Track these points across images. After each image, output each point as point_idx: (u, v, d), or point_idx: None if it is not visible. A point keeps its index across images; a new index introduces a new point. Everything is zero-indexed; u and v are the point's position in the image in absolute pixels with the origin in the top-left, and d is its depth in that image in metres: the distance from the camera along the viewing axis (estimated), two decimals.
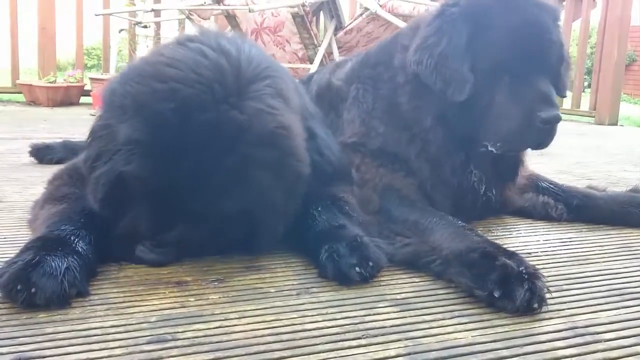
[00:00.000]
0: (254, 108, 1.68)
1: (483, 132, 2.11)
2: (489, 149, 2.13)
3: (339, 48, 5.82)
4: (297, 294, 1.61)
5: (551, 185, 2.61)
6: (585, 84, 9.30)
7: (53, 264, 1.47)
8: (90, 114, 6.21)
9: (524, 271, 1.55)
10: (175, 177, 1.61)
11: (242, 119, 1.65)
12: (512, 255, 1.64)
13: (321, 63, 5.55)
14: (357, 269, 1.66)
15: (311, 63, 5.66)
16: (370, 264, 1.67)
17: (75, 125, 5.19)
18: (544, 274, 1.63)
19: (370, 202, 2.07)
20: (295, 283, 1.69)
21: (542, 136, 2.07)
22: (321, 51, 5.61)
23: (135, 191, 1.67)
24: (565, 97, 2.31)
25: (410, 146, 2.20)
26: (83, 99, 7.11)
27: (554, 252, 2.08)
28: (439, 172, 2.18)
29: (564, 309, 1.58)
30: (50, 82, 6.76)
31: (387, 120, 2.25)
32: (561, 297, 1.65)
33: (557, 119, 2.03)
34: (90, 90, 6.88)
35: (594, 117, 7.53)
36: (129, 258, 1.75)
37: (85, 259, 1.57)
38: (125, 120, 1.64)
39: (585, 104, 7.90)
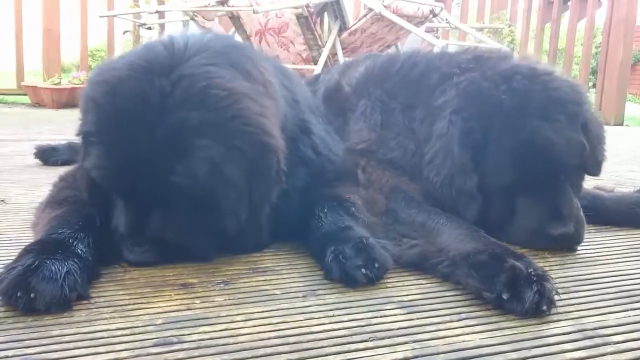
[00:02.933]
0: (180, 73, 1.67)
1: (507, 231, 2.05)
2: None
3: (343, 49, 5.81)
4: (304, 296, 1.60)
5: None
6: (590, 83, 9.28)
7: (52, 268, 1.46)
8: None
9: (532, 273, 1.54)
10: (121, 159, 1.65)
11: (164, 84, 1.65)
12: (520, 257, 1.63)
13: (325, 64, 5.55)
14: (363, 270, 1.64)
15: (315, 64, 5.65)
16: (377, 265, 1.66)
17: None
18: (552, 275, 1.62)
19: (376, 204, 2.05)
20: (301, 285, 1.68)
21: (559, 244, 2.04)
22: (325, 52, 5.61)
23: (102, 187, 1.73)
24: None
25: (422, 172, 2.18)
26: None
27: (562, 254, 2.06)
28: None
29: (572, 311, 1.57)
30: (55, 84, 6.78)
31: (402, 145, 2.26)
32: (569, 299, 1.64)
33: (570, 237, 2.00)
34: None
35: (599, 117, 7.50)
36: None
37: (85, 262, 1.56)
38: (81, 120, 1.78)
39: None
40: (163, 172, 1.62)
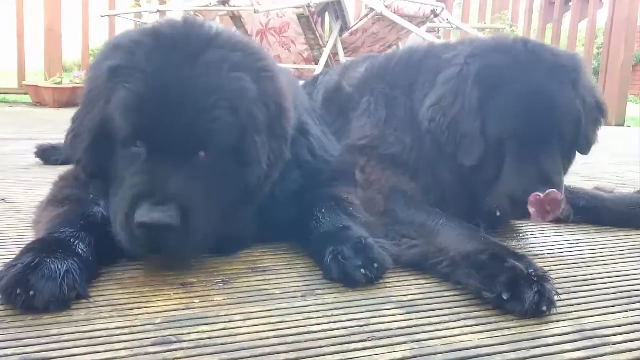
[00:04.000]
0: (217, 29, 1.78)
1: (489, 195, 2.06)
2: (496, 213, 2.08)
3: (344, 49, 5.82)
4: (302, 296, 1.60)
5: None
6: None
7: (52, 267, 1.46)
8: None
9: (533, 274, 1.54)
10: (163, 90, 1.61)
11: (209, 32, 1.75)
12: (521, 257, 1.63)
13: (326, 64, 5.55)
14: (363, 270, 1.65)
15: (316, 64, 5.66)
16: (376, 265, 1.66)
17: None
18: (552, 275, 1.62)
19: (375, 204, 2.05)
20: (300, 285, 1.68)
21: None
22: (326, 52, 5.61)
23: (123, 131, 1.63)
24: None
25: (428, 169, 2.19)
26: None
27: (562, 254, 2.07)
28: (446, 204, 2.13)
29: (571, 312, 1.57)
30: (56, 83, 6.78)
31: (407, 137, 2.23)
32: (569, 300, 1.64)
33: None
34: None
35: None
36: (130, 236, 1.59)
37: (85, 261, 1.56)
38: (104, 65, 1.69)
39: None
40: (206, 107, 1.61)
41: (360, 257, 1.67)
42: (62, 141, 3.47)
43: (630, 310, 1.60)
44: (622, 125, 7.40)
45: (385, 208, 2.04)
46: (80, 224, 1.68)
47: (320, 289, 1.65)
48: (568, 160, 2.18)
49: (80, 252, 1.58)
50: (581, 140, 2.15)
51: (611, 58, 7.62)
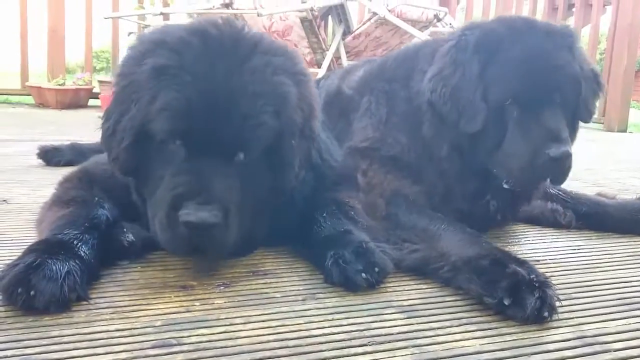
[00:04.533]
0: (256, 34, 1.81)
1: (496, 166, 2.08)
2: (504, 185, 2.10)
3: (347, 52, 5.83)
4: (303, 300, 1.60)
5: (560, 192, 2.59)
6: None
7: (54, 268, 1.46)
8: (98, 117, 6.24)
9: (534, 279, 1.54)
10: (210, 92, 1.61)
11: (254, 36, 1.78)
12: (522, 263, 1.63)
13: (329, 67, 5.56)
14: (364, 274, 1.64)
15: (319, 67, 5.66)
16: (377, 269, 1.66)
17: (83, 127, 5.20)
18: (553, 281, 1.62)
19: (376, 208, 2.06)
20: (301, 288, 1.68)
21: (553, 172, 2.03)
22: (329, 55, 5.62)
23: (166, 132, 1.62)
24: (588, 122, 2.26)
25: (430, 164, 2.19)
26: (91, 102, 7.15)
27: (563, 260, 2.06)
28: (451, 196, 2.16)
29: (572, 318, 1.56)
30: (59, 85, 6.79)
31: (407, 135, 2.23)
32: (570, 306, 1.63)
33: (567, 156, 1.98)
34: (99, 93, 6.90)
35: (602, 123, 7.48)
36: (172, 233, 1.58)
37: (87, 263, 1.56)
38: (146, 62, 1.66)
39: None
40: (251, 111, 1.64)
41: (361, 261, 1.67)
42: (64, 142, 3.52)
43: (632, 317, 1.59)
44: (625, 131, 7.38)
45: (386, 212, 2.05)
46: (85, 226, 1.69)
47: (321, 293, 1.65)
48: (572, 129, 2.17)
49: (82, 254, 1.58)
50: (582, 108, 2.16)
51: (614, 64, 7.60)
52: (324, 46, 5.64)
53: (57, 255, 1.51)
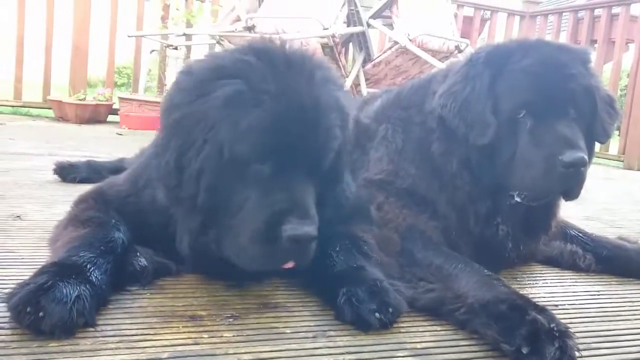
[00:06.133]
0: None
1: (507, 179, 2.04)
2: (515, 199, 2.05)
3: (366, 80, 5.84)
4: (314, 337, 1.55)
5: (580, 234, 2.53)
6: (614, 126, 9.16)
7: (64, 291, 1.45)
8: (116, 133, 6.29)
9: (555, 328, 1.48)
10: (287, 112, 1.61)
11: (305, 51, 1.81)
12: (542, 310, 1.58)
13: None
14: (377, 314, 1.60)
15: None
16: (391, 310, 1.62)
17: (101, 143, 5.24)
18: (572, 329, 1.56)
19: (391, 243, 2.01)
20: (311, 324, 1.63)
21: (568, 182, 1.97)
22: (349, 82, 5.62)
23: (254, 154, 1.60)
24: (604, 143, 2.23)
25: (442, 193, 2.15)
26: (111, 117, 7.21)
27: (583, 306, 2.00)
28: (464, 220, 2.12)
29: None
30: (79, 100, 6.86)
31: (418, 164, 2.21)
32: (590, 357, 1.57)
33: (581, 162, 1.91)
34: (118, 110, 6.96)
35: (622, 161, 7.40)
36: (272, 247, 1.57)
37: (97, 289, 1.54)
38: (215, 92, 1.64)
39: (614, 148, 7.76)
40: (325, 125, 1.68)
41: (375, 300, 1.62)
42: (81, 159, 3.53)
43: None
44: None
45: (401, 248, 2.00)
46: (100, 250, 1.68)
47: (332, 330, 1.60)
48: (589, 149, 2.09)
49: (94, 279, 1.56)
50: (598, 127, 2.11)
51: (635, 101, 7.54)
52: (343, 72, 5.65)
53: (69, 279, 1.49)
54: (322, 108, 1.67)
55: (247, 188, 1.62)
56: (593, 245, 2.48)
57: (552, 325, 1.49)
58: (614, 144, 7.88)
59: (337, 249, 1.87)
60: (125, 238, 1.81)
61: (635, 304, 2.06)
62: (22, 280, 1.50)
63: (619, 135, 7.83)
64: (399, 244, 2.02)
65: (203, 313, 1.64)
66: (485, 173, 2.07)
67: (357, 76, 5.73)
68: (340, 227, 1.99)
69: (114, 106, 7.24)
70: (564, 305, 2.00)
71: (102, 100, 7.04)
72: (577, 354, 1.48)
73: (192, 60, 2.03)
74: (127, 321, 1.55)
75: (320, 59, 1.83)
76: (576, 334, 1.61)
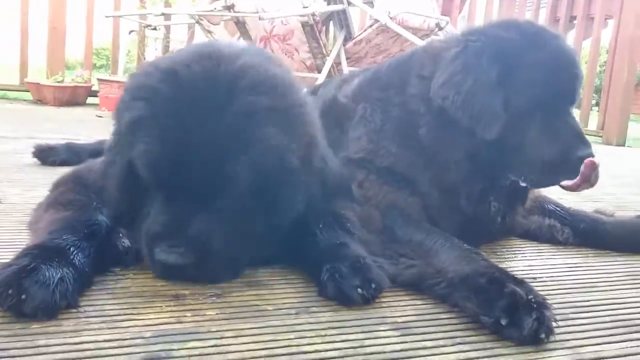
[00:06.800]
0: (245, 62, 1.68)
1: (514, 167, 2.10)
2: (521, 183, 2.12)
3: (347, 58, 5.80)
4: (296, 313, 1.57)
5: (558, 208, 2.58)
6: (593, 101, 9.27)
7: (47, 274, 1.44)
8: (96, 115, 6.22)
9: (532, 300, 1.51)
10: (178, 144, 1.58)
11: (234, 68, 1.64)
12: (520, 282, 1.60)
13: (329, 73, 5.54)
14: (360, 290, 1.62)
15: (319, 72, 5.64)
16: (373, 285, 1.64)
17: (80, 126, 5.19)
18: (550, 301, 1.59)
19: (372, 220, 2.03)
20: (294, 301, 1.65)
21: (576, 173, 2.03)
22: (329, 61, 5.60)
23: (145, 179, 1.65)
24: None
25: (425, 172, 2.16)
26: (90, 100, 7.12)
27: (560, 278, 2.04)
28: (454, 201, 2.14)
29: (569, 340, 1.54)
30: (57, 82, 6.77)
31: (399, 143, 2.20)
32: (567, 327, 1.61)
33: (592, 156, 2.04)
34: (98, 92, 6.88)
35: (601, 136, 7.49)
36: (152, 264, 1.67)
37: (80, 272, 1.54)
38: (125, 115, 1.69)
39: (593, 123, 7.86)
40: (223, 162, 1.58)
41: (358, 276, 1.64)
42: (60, 141, 3.49)
43: (629, 340, 1.57)
44: (623, 145, 7.40)
45: (382, 225, 2.02)
46: (84, 233, 1.67)
47: (314, 307, 1.62)
48: None
49: (77, 262, 1.56)
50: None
51: (614, 77, 7.63)
52: (324, 51, 5.62)
53: (52, 261, 1.48)
54: (214, 147, 1.57)
55: (146, 206, 1.70)
56: (571, 219, 2.52)
57: (530, 297, 1.52)
58: (593, 120, 7.98)
59: (321, 226, 1.88)
60: (108, 220, 1.81)
61: (610, 275, 2.11)
62: (3, 263, 1.49)
63: (598, 111, 7.92)
64: (381, 221, 2.03)
65: (186, 292, 1.65)
66: (488, 161, 2.10)
67: (338, 55, 5.70)
68: (323, 204, 2.00)
69: (93, 88, 7.14)
70: (542, 277, 2.04)
71: (80, 82, 6.95)
72: (554, 324, 1.51)
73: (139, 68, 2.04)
74: (110, 302, 1.55)
75: (256, 79, 1.65)
76: (553, 304, 1.64)
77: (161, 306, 1.55)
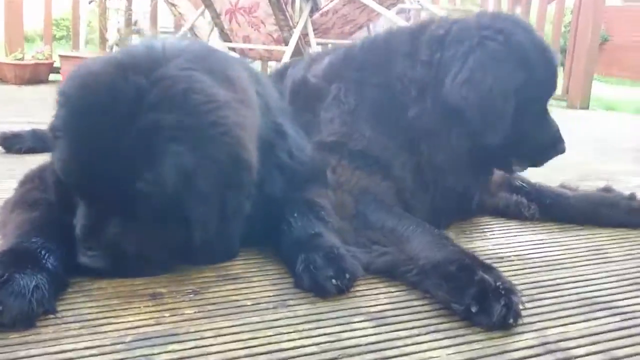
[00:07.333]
0: (160, 73, 1.62)
1: (510, 155, 2.32)
2: (513, 169, 2.42)
3: (314, 30, 5.75)
4: (274, 308, 1.61)
5: (524, 184, 2.65)
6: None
7: (22, 282, 1.44)
8: None
9: (500, 286, 1.57)
10: (84, 156, 1.59)
11: (142, 82, 1.58)
12: (489, 268, 1.66)
13: (297, 45, 5.50)
14: (334, 281, 1.66)
15: (286, 45, 5.59)
16: (347, 275, 1.68)
17: (45, 107, 5.04)
18: (517, 281, 1.67)
19: (345, 207, 2.05)
20: (271, 295, 1.68)
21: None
22: (296, 33, 5.54)
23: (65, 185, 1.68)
24: None
25: (400, 155, 2.19)
26: (52, 77, 6.93)
27: (527, 256, 2.11)
28: (438, 182, 2.23)
29: (536, 322, 1.60)
30: (17, 59, 6.55)
31: (375, 125, 2.22)
32: (534, 308, 1.67)
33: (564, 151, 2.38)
34: (59, 68, 6.69)
35: (566, 100, 7.61)
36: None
37: (54, 276, 1.54)
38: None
39: (558, 88, 7.95)
40: (128, 177, 1.56)
41: (332, 267, 1.68)
42: (24, 127, 3.41)
43: (592, 319, 1.65)
44: (587, 108, 7.53)
45: (355, 211, 2.04)
46: (51, 234, 1.66)
47: (291, 299, 1.66)
48: None
49: (50, 266, 1.56)
50: None
51: (578, 40, 7.70)
52: (291, 24, 5.56)
53: (25, 269, 1.48)
54: (117, 162, 1.56)
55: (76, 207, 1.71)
56: (537, 194, 2.60)
57: (498, 284, 1.58)
58: (558, 84, 8.07)
59: (295, 215, 1.91)
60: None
61: (574, 251, 2.19)
62: None
63: (563, 73, 8.01)
64: (354, 207, 2.06)
65: (163, 290, 1.67)
66: (485, 153, 2.22)
67: (305, 26, 5.64)
68: (297, 192, 2.03)
69: (55, 64, 6.95)
70: (510, 257, 2.11)
71: (41, 59, 6.74)
72: (521, 307, 1.58)
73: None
74: (88, 305, 1.56)
75: (165, 95, 1.58)
76: (520, 285, 1.73)
77: (139, 307, 1.57)
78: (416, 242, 1.84)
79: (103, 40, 7.26)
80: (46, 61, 6.85)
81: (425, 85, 2.17)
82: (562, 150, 2.36)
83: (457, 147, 2.16)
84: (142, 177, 1.56)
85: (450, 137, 2.15)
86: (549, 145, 2.34)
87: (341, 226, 1.95)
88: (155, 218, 1.64)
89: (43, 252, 1.58)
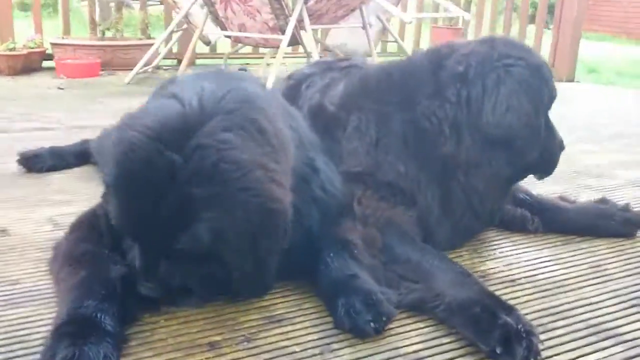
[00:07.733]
0: (193, 145, 1.74)
1: (537, 168, 2.55)
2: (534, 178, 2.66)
3: (309, 16, 5.81)
4: (321, 353, 1.78)
5: (527, 197, 2.83)
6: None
7: (91, 355, 1.57)
8: (57, 87, 6.08)
9: (522, 329, 1.76)
10: (132, 217, 1.80)
11: (175, 159, 1.72)
12: (510, 310, 1.85)
13: (293, 34, 5.55)
14: (372, 324, 1.84)
15: (282, 33, 5.65)
16: (384, 319, 1.87)
17: (45, 105, 5.10)
18: (530, 308, 1.90)
19: (374, 241, 2.19)
20: (315, 338, 1.85)
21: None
22: (292, 21, 5.60)
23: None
24: None
25: (429, 186, 2.38)
26: (45, 64, 6.90)
27: (536, 278, 2.30)
28: (480, 206, 2.45)
29: (552, 356, 1.81)
30: (9, 50, 6.51)
31: (405, 159, 2.38)
32: (547, 340, 1.87)
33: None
34: (52, 55, 6.67)
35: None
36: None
37: (114, 336, 1.67)
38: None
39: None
40: (169, 236, 1.76)
41: (371, 312, 1.86)
42: (34, 132, 3.47)
43: (601, 349, 1.84)
44: (572, 80, 7.70)
45: (382, 244, 2.20)
46: (102, 294, 1.78)
47: (334, 343, 1.83)
48: None
49: (109, 328, 1.69)
50: None
51: (564, 13, 7.81)
52: (286, 12, 5.60)
53: (90, 339, 1.61)
54: (162, 225, 1.75)
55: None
56: (539, 207, 2.80)
57: (519, 327, 1.77)
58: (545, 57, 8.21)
59: (331, 254, 2.07)
60: (124, 267, 1.92)
61: (577, 269, 2.40)
62: (44, 349, 1.61)
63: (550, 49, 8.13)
64: (380, 240, 2.21)
65: (218, 338, 1.83)
66: (518, 173, 2.52)
67: (300, 13, 5.69)
68: (331, 228, 2.18)
69: (47, 51, 6.91)
70: (520, 279, 2.30)
71: (33, 47, 6.71)
72: (540, 346, 1.78)
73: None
74: (154, 359, 1.72)
75: (196, 169, 1.72)
76: (534, 313, 1.93)
77: (201, 358, 1.74)
78: (441, 279, 2.03)
79: (94, 26, 7.21)
80: (38, 49, 6.81)
81: (459, 124, 2.33)
82: (564, 147, 2.57)
83: (498, 173, 2.38)
84: (179, 240, 1.76)
85: (492, 165, 2.36)
86: (558, 147, 2.55)
87: (371, 263, 2.12)
88: (196, 263, 1.85)
89: (99, 315, 1.71)
